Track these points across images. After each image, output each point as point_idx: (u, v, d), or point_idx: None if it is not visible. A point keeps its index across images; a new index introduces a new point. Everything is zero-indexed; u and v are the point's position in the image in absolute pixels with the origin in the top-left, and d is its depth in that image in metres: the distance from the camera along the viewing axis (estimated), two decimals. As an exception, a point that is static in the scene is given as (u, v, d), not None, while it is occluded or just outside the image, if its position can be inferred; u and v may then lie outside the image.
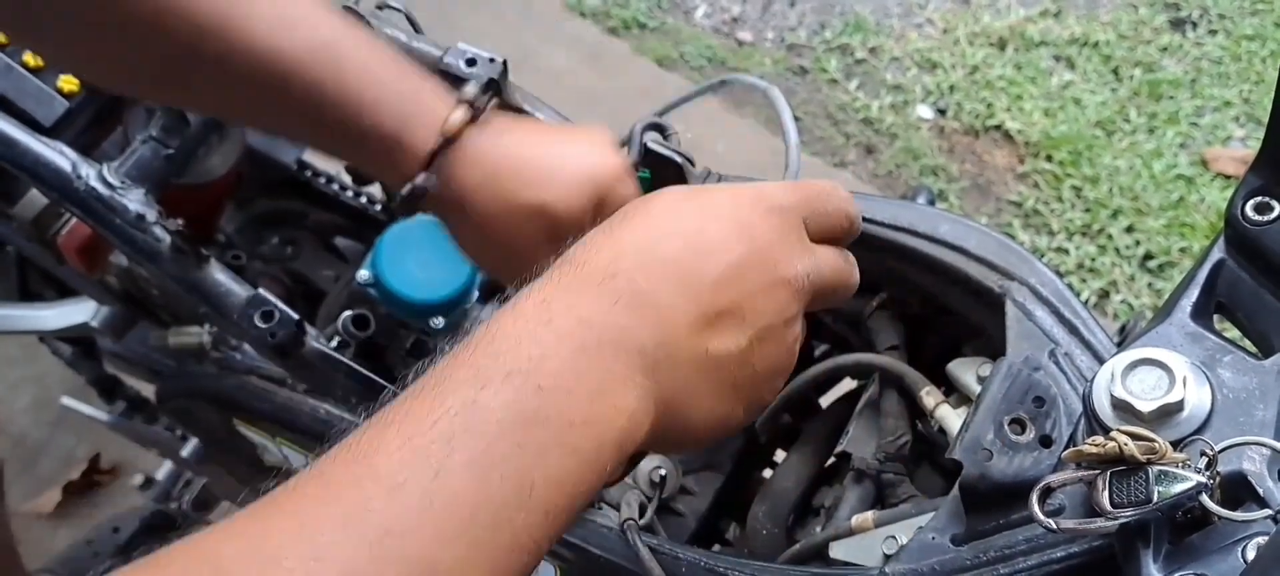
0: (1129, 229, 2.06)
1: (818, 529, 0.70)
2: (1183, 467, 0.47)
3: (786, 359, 0.55)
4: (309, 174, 1.10)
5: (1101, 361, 0.59)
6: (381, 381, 0.80)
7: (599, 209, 0.66)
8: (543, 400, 0.45)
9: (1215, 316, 0.59)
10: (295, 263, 1.01)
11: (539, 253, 0.53)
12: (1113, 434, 0.49)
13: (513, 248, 0.67)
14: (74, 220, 0.95)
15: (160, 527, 1.44)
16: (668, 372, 0.49)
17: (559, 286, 0.49)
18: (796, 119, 0.82)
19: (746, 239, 0.53)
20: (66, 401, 1.43)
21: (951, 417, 0.68)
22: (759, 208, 0.54)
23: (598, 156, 0.69)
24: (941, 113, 2.28)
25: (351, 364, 0.80)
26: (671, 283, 0.50)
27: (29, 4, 0.62)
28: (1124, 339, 0.64)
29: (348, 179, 1.07)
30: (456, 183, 0.66)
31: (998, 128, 2.24)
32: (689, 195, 0.55)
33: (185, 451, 1.25)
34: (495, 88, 0.70)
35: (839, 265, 0.58)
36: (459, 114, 0.65)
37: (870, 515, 0.65)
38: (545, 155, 0.68)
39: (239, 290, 0.81)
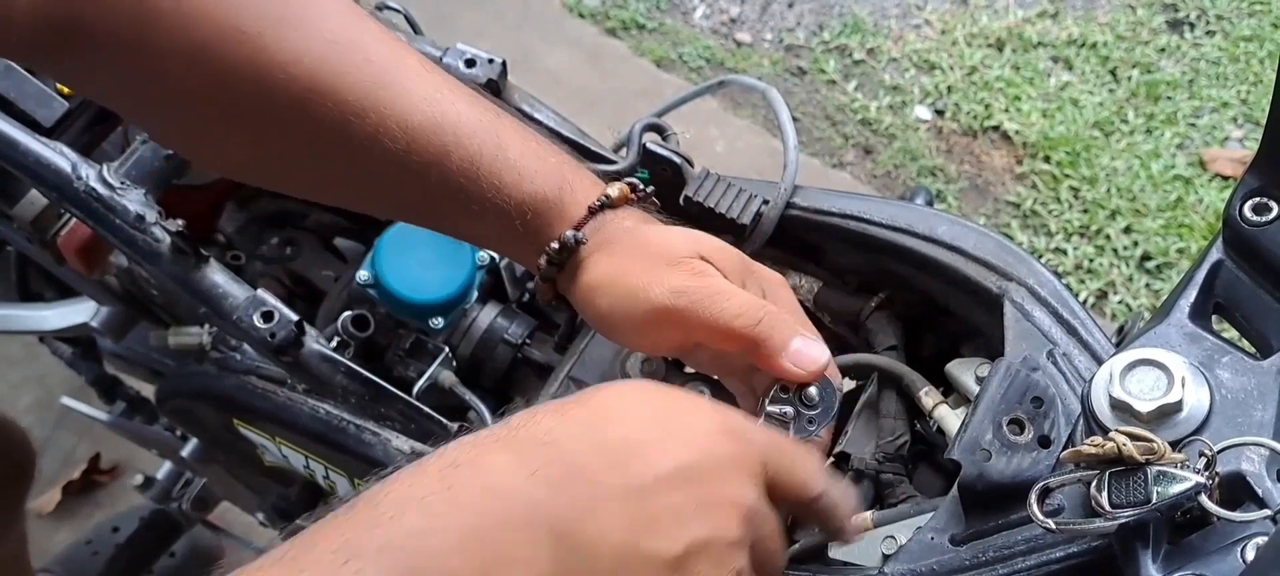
0: (1127, 229, 2.07)
1: (816, 528, 0.71)
2: (1181, 468, 0.47)
3: None
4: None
5: (1100, 362, 0.59)
6: (381, 382, 0.80)
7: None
8: None
9: (1213, 317, 0.59)
10: (295, 263, 1.01)
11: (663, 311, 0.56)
12: (1111, 434, 0.49)
13: (639, 300, 0.62)
14: (74, 220, 0.95)
15: (160, 527, 1.44)
16: (582, 562, 0.43)
17: (475, 447, 0.44)
18: (795, 120, 0.82)
19: (712, 446, 0.47)
20: (66, 401, 1.43)
21: (950, 418, 0.68)
22: (728, 425, 0.49)
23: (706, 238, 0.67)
24: (939, 114, 2.28)
25: (351, 364, 0.80)
26: (611, 464, 0.44)
27: (164, 92, 0.59)
28: (1122, 339, 0.64)
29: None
30: (603, 237, 0.65)
31: (996, 128, 2.24)
32: (660, 388, 0.51)
33: (185, 451, 1.24)
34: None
35: (776, 541, 0.51)
36: (618, 188, 0.65)
37: (869, 515, 0.65)
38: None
39: (238, 291, 0.81)
